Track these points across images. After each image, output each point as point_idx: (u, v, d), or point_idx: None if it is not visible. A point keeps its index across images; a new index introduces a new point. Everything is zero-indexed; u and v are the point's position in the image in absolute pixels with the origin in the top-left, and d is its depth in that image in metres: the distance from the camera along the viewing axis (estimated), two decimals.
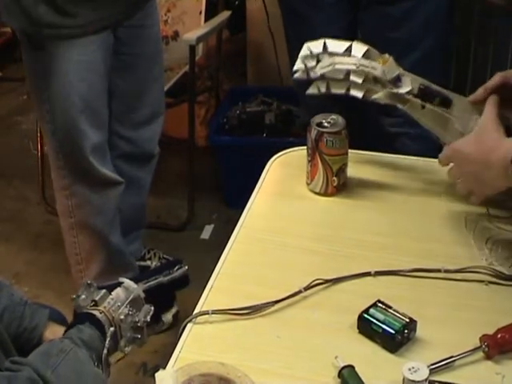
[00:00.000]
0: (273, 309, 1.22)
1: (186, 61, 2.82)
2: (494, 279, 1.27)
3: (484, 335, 1.13)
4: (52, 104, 2.06)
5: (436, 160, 1.59)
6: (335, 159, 1.46)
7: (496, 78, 1.39)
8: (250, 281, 1.29)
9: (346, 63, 1.38)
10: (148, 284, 1.35)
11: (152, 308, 1.32)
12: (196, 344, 1.18)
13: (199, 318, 1.21)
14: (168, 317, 2.42)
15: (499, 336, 1.13)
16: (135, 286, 1.32)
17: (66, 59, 2.00)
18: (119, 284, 1.33)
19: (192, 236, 2.92)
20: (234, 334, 1.19)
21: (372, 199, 1.49)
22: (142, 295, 1.32)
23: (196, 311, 1.22)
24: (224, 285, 1.29)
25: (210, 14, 2.98)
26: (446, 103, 1.40)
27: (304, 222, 1.44)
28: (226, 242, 1.39)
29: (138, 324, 1.30)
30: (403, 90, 1.40)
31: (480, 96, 1.38)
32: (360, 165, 1.56)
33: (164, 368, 1.11)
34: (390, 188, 1.51)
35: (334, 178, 1.48)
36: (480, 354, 1.13)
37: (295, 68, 1.44)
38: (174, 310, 2.44)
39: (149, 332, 1.37)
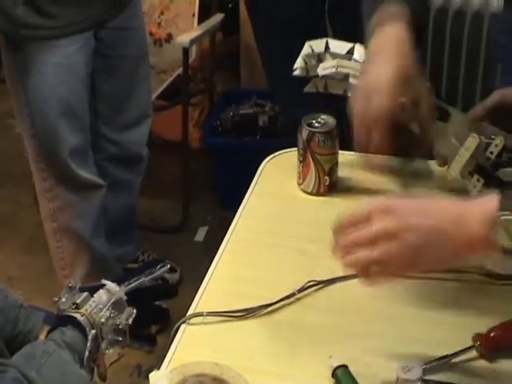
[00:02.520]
0: (266, 310, 1.22)
1: (180, 63, 2.83)
2: (486, 279, 1.27)
3: (477, 334, 1.14)
4: (31, 107, 2.06)
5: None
6: (327, 158, 1.47)
7: (495, 96, 1.40)
8: (244, 282, 1.30)
9: (349, 67, 1.38)
10: (130, 286, 1.35)
11: (134, 311, 1.32)
12: (190, 345, 1.18)
13: (193, 319, 1.21)
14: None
15: (492, 335, 1.13)
16: (117, 288, 1.32)
17: (45, 61, 1.99)
18: (101, 286, 1.33)
19: (186, 238, 2.92)
20: (227, 335, 1.19)
21: (363, 199, 1.49)
22: (124, 297, 1.32)
23: (190, 312, 1.22)
24: (218, 286, 1.29)
25: (203, 16, 2.98)
26: (443, 116, 1.39)
27: (297, 222, 1.44)
28: (220, 244, 1.39)
29: (120, 326, 1.30)
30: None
31: (478, 114, 1.38)
32: (350, 165, 1.56)
33: (158, 369, 1.11)
34: (380, 188, 1.51)
35: (326, 178, 1.48)
36: (473, 353, 1.13)
37: (295, 65, 1.43)
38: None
39: (140, 344, 1.37)
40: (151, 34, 2.93)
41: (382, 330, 1.19)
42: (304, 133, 1.46)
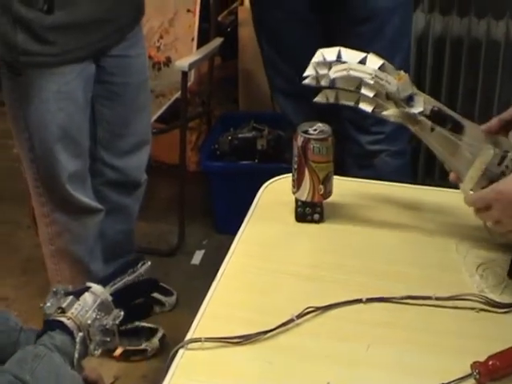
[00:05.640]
0: (265, 336, 1.21)
1: (178, 87, 2.84)
2: (484, 306, 1.27)
3: (475, 362, 1.13)
4: (30, 132, 2.06)
5: (425, 187, 1.62)
6: (322, 166, 1.45)
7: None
8: (242, 307, 1.29)
9: (361, 71, 1.33)
10: (115, 286, 1.36)
11: (122, 313, 1.33)
12: (187, 369, 1.17)
13: (191, 344, 1.20)
14: (154, 341, 2.45)
15: (490, 363, 1.13)
16: (102, 289, 1.33)
17: (44, 88, 1.99)
18: (87, 289, 1.34)
19: (182, 261, 2.92)
20: (225, 360, 1.19)
21: (363, 226, 1.49)
22: (110, 298, 1.33)
23: (188, 337, 1.22)
24: (216, 311, 1.29)
25: (202, 40, 3.00)
26: (457, 129, 1.35)
27: (295, 248, 1.45)
28: (217, 268, 1.39)
29: (107, 327, 1.31)
30: (415, 110, 1.35)
31: (494, 126, 1.36)
32: (348, 191, 1.57)
33: None
34: (379, 214, 1.52)
35: (321, 186, 1.46)
36: (471, 381, 1.13)
37: (306, 73, 1.40)
38: (159, 335, 2.48)
39: (132, 342, 1.39)
40: (150, 57, 2.94)
41: (380, 356, 1.19)
42: (299, 139, 1.44)
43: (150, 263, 1.41)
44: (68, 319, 1.27)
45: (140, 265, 1.41)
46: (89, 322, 1.28)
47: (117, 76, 2.17)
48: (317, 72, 1.38)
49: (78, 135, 2.11)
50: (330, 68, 1.37)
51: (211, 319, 1.27)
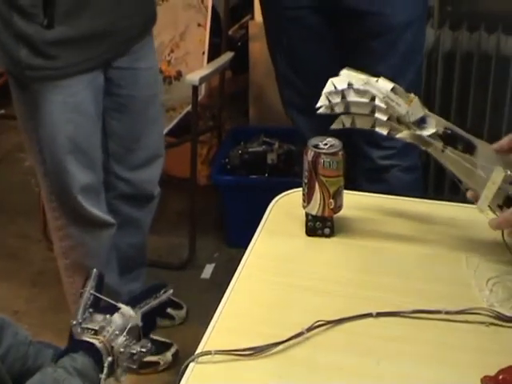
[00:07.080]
0: (275, 349, 1.22)
1: (189, 101, 2.85)
2: (494, 321, 1.27)
3: (485, 377, 1.13)
4: (41, 145, 2.07)
5: (436, 202, 1.62)
6: (332, 181, 1.45)
7: None
8: (252, 321, 1.30)
9: (376, 88, 1.35)
10: (142, 310, 1.36)
11: (149, 344, 1.33)
12: (198, 383, 1.18)
13: (201, 358, 1.21)
14: (167, 355, 2.45)
15: (501, 377, 1.12)
16: (133, 313, 1.33)
17: (50, 100, 2.00)
18: (116, 309, 1.33)
19: (193, 275, 2.93)
20: (236, 374, 1.19)
21: (373, 240, 1.50)
22: (140, 324, 1.33)
23: (198, 350, 1.22)
24: (227, 324, 1.29)
25: (213, 54, 3.02)
26: (470, 149, 1.36)
27: (306, 262, 1.45)
28: (227, 282, 1.39)
29: (135, 356, 1.31)
30: (427, 132, 1.36)
31: (505, 145, 1.36)
32: (359, 205, 1.57)
33: None
34: (390, 229, 1.52)
35: (331, 201, 1.46)
36: None
37: (319, 104, 1.41)
38: (173, 350, 2.49)
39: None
40: (161, 71, 2.95)
41: (391, 370, 1.19)
42: (310, 154, 1.44)
43: (172, 291, 1.41)
44: (100, 342, 1.27)
45: (162, 292, 1.41)
46: (121, 349, 1.28)
47: (124, 88, 2.17)
48: (329, 101, 1.40)
49: (89, 147, 2.11)
50: (342, 96, 1.39)
51: (222, 333, 1.27)
